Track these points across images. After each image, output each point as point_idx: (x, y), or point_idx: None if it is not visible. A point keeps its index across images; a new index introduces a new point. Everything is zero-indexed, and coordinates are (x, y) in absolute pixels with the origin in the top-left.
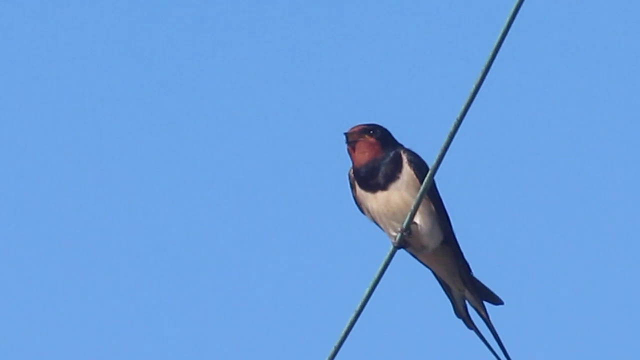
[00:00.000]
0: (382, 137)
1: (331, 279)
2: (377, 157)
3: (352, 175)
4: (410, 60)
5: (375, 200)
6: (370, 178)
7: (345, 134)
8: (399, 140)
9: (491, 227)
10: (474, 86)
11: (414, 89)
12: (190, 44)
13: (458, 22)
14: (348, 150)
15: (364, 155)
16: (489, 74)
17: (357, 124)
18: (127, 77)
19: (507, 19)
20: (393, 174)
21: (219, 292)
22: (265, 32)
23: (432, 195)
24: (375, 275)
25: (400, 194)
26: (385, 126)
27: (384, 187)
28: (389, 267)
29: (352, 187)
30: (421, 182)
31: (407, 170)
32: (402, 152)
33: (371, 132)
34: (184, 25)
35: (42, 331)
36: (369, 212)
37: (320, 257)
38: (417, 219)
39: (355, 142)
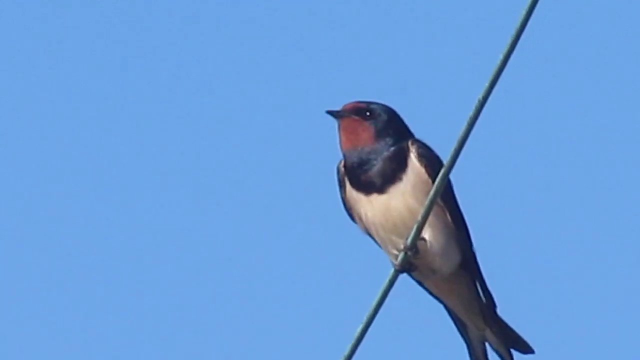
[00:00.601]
0: (382, 119)
1: (316, 314)
2: (374, 145)
3: (343, 169)
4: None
5: (370, 206)
6: (362, 173)
7: (333, 112)
8: (411, 129)
9: (525, 248)
10: (499, 61)
11: (425, 69)
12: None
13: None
14: (338, 133)
15: (354, 141)
16: (517, 46)
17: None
18: (113, 74)
19: None
20: (394, 173)
21: (204, 320)
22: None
23: (446, 201)
24: (371, 309)
25: (403, 200)
26: (392, 107)
27: (381, 189)
28: (388, 297)
29: (341, 186)
30: (433, 182)
31: (415, 167)
32: (410, 143)
33: (368, 112)
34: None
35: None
36: (361, 221)
37: (304, 283)
38: (426, 234)
39: (344, 122)
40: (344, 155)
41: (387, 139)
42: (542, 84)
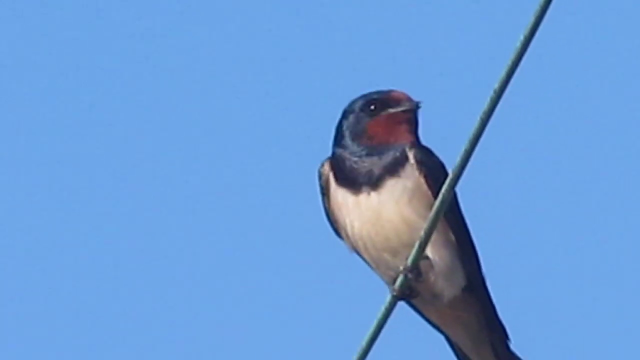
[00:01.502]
0: (402, 115)
1: (303, 347)
2: (383, 143)
3: (327, 171)
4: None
5: (358, 213)
6: (355, 170)
7: (417, 103)
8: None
9: (543, 271)
10: (516, 48)
11: (432, 64)
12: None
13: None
14: (348, 124)
15: (370, 136)
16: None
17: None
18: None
19: None
20: (389, 178)
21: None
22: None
23: (451, 215)
24: (365, 342)
25: (398, 209)
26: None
27: (372, 190)
28: (385, 327)
29: (324, 193)
30: (435, 194)
31: (412, 174)
32: (408, 147)
33: (391, 105)
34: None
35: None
36: (348, 236)
37: (290, 310)
38: (429, 252)
39: (368, 114)
40: (343, 150)
41: (396, 138)
42: (558, 82)
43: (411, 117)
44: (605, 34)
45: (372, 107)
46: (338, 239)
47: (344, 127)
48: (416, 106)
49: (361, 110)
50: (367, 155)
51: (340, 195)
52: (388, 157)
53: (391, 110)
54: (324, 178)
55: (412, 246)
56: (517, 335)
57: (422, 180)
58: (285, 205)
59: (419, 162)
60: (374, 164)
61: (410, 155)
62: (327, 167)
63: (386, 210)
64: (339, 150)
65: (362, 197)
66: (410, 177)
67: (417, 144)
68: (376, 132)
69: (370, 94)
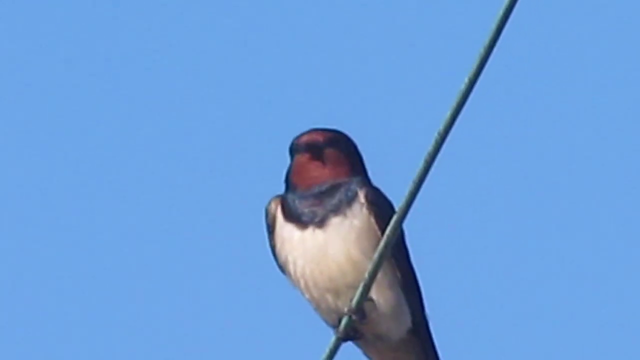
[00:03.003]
0: (347, 153)
1: None
2: (330, 183)
3: (275, 208)
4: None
5: (303, 250)
6: (303, 208)
7: (298, 142)
8: (367, 163)
9: (487, 312)
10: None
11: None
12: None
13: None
14: (293, 165)
15: (315, 176)
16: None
17: (312, 128)
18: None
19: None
20: (337, 217)
21: None
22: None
23: (397, 255)
24: None
25: (345, 248)
26: (352, 138)
27: (319, 226)
28: None
29: (271, 227)
30: (382, 233)
31: (360, 212)
32: (358, 186)
33: (335, 143)
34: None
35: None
36: (291, 270)
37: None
38: (374, 293)
39: (310, 154)
40: (297, 191)
41: (343, 176)
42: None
43: (317, 157)
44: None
45: (290, 151)
46: (282, 275)
47: (290, 164)
48: (298, 147)
49: (289, 153)
50: (315, 193)
51: (286, 232)
52: (336, 195)
53: (297, 155)
54: (270, 216)
55: (356, 287)
56: None
57: (371, 219)
58: (230, 239)
59: (369, 201)
60: (322, 201)
61: (361, 193)
62: (274, 204)
63: (332, 249)
64: (288, 186)
65: (308, 234)
66: (358, 216)
67: (365, 181)
68: (302, 174)
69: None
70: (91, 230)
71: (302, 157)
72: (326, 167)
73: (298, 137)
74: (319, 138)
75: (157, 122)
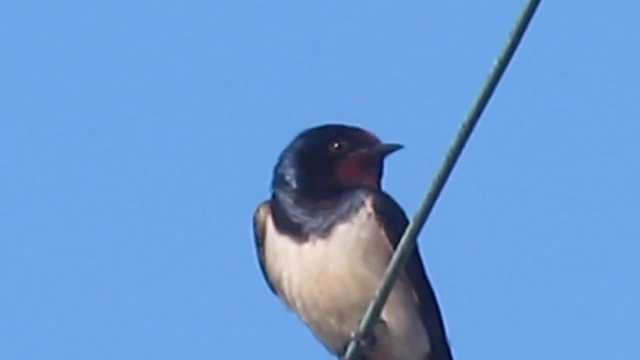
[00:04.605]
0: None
1: None
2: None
3: (265, 215)
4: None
5: (299, 264)
6: (303, 216)
7: (378, 143)
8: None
9: (514, 335)
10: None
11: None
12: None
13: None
14: (344, 160)
15: (346, 183)
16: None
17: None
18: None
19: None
20: (342, 220)
21: None
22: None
23: (412, 270)
24: None
25: (348, 264)
26: None
27: (321, 236)
28: None
29: (260, 238)
30: (394, 247)
31: (368, 222)
32: (364, 193)
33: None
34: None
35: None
36: (284, 292)
37: None
38: (385, 314)
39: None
40: (294, 190)
41: (362, 184)
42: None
43: (379, 162)
44: (579, 61)
45: (337, 144)
46: (274, 296)
47: (291, 165)
48: (389, 150)
49: (322, 146)
50: (319, 198)
51: (279, 244)
52: (342, 202)
53: (363, 151)
54: (259, 225)
55: (363, 308)
56: None
57: (381, 230)
58: (219, 257)
59: (378, 210)
60: (325, 208)
61: (368, 201)
62: (263, 212)
63: (334, 264)
64: (282, 192)
65: (306, 246)
66: (366, 227)
67: (376, 189)
68: (339, 173)
69: (330, 128)
70: (86, 234)
71: (316, 154)
72: (346, 169)
73: (369, 134)
74: (344, 135)
75: (157, 122)
